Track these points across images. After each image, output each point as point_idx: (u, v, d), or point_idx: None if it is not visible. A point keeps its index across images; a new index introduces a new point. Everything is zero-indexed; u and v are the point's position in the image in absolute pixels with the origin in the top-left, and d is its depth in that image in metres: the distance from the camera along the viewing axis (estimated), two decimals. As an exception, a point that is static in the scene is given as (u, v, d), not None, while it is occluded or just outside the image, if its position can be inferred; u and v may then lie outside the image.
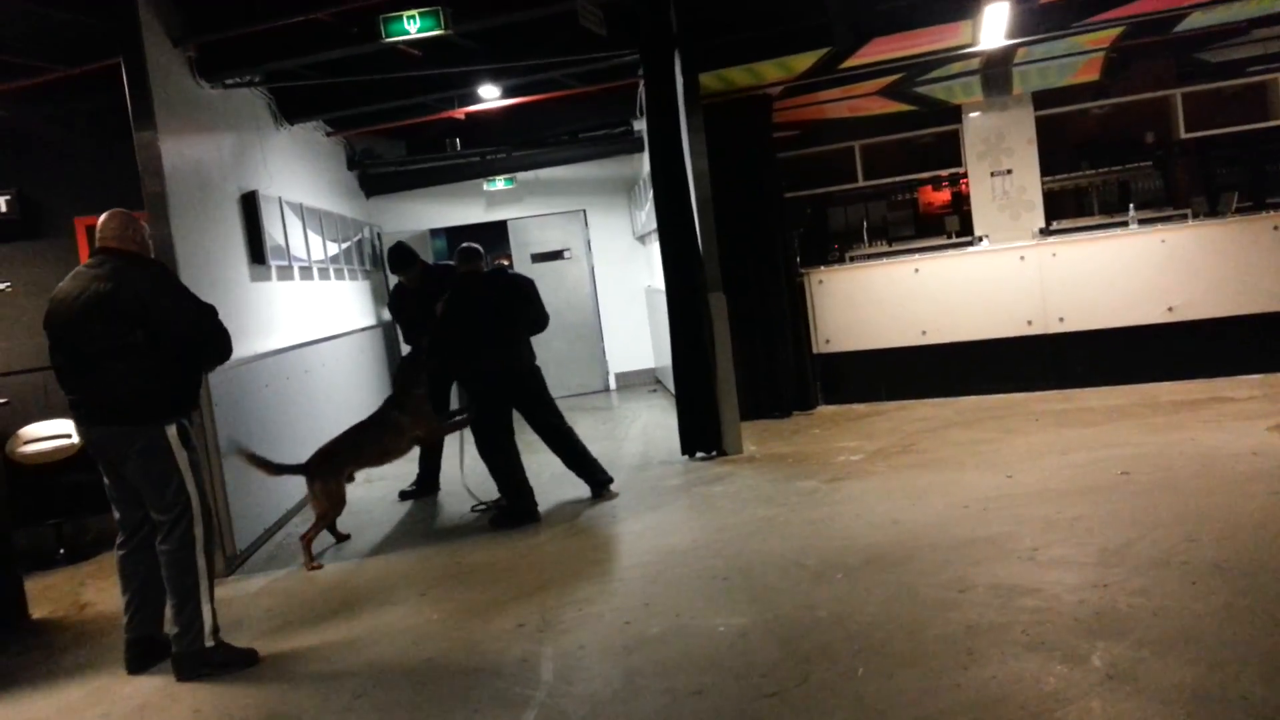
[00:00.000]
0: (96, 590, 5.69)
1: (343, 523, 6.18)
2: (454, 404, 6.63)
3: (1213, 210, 8.45)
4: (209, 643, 4.11)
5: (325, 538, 6.07)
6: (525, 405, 6.37)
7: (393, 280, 10.81)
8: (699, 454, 7.16)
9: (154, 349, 4.05)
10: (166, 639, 4.19)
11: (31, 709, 4.08)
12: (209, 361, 4.39)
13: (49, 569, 6.26)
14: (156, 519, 4.13)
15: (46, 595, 5.70)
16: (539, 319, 6.40)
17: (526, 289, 6.36)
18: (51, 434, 6.44)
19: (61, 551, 6.44)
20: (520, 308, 6.30)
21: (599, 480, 6.45)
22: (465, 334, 6.18)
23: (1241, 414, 6.56)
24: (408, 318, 7.38)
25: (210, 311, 4.27)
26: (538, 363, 6.44)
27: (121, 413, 4.08)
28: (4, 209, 6.96)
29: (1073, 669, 3.21)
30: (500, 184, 11.48)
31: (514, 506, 6.12)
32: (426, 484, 7.22)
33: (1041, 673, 3.21)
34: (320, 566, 5.65)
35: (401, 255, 7.26)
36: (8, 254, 6.70)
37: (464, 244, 6.50)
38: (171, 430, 4.12)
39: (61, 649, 4.79)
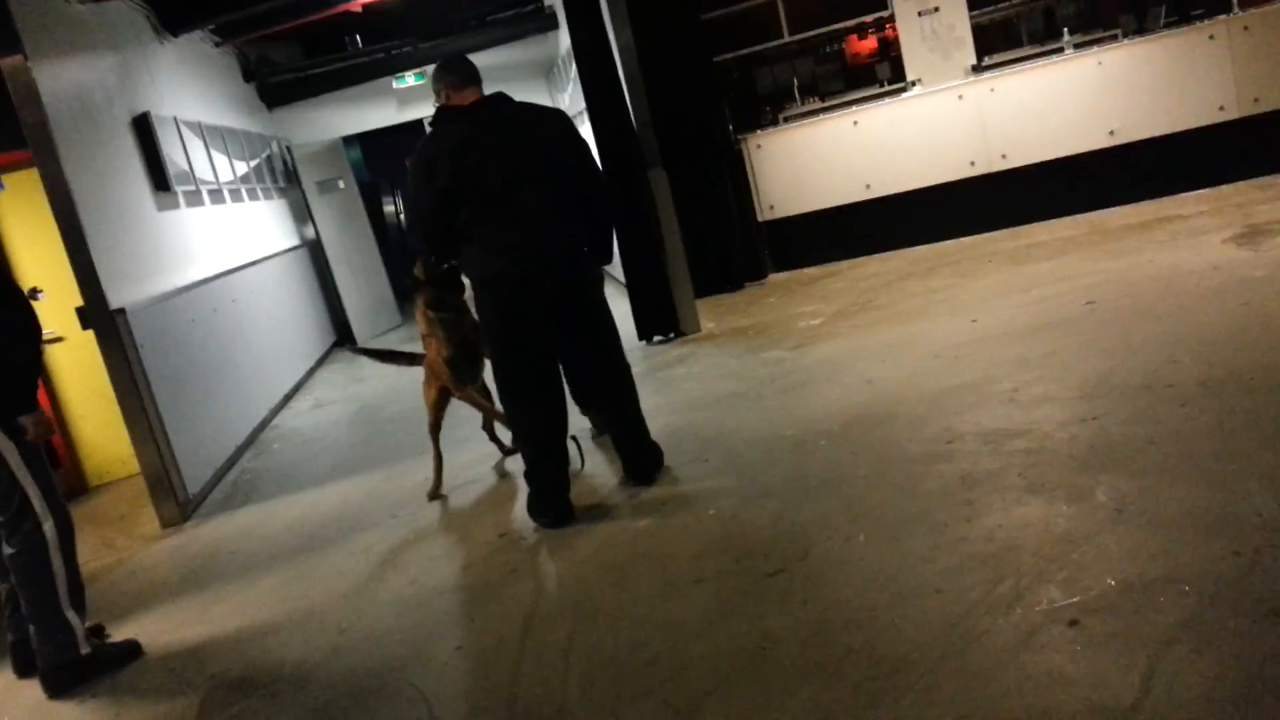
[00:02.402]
0: None
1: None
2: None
3: (1141, 27, 8.26)
4: (84, 650, 3.57)
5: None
6: (566, 330, 4.02)
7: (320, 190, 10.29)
8: (656, 338, 6.95)
9: None
10: None
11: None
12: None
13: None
14: None
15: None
16: (597, 183, 4.04)
17: (567, 126, 3.95)
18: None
19: None
20: (562, 159, 3.89)
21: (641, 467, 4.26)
22: (463, 211, 3.78)
23: (1194, 230, 6.49)
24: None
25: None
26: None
27: None
28: None
29: (1079, 507, 3.11)
30: (411, 80, 10.86)
31: (533, 491, 4.07)
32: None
33: (1048, 515, 3.10)
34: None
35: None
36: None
37: (453, 55, 4.11)
38: None
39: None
